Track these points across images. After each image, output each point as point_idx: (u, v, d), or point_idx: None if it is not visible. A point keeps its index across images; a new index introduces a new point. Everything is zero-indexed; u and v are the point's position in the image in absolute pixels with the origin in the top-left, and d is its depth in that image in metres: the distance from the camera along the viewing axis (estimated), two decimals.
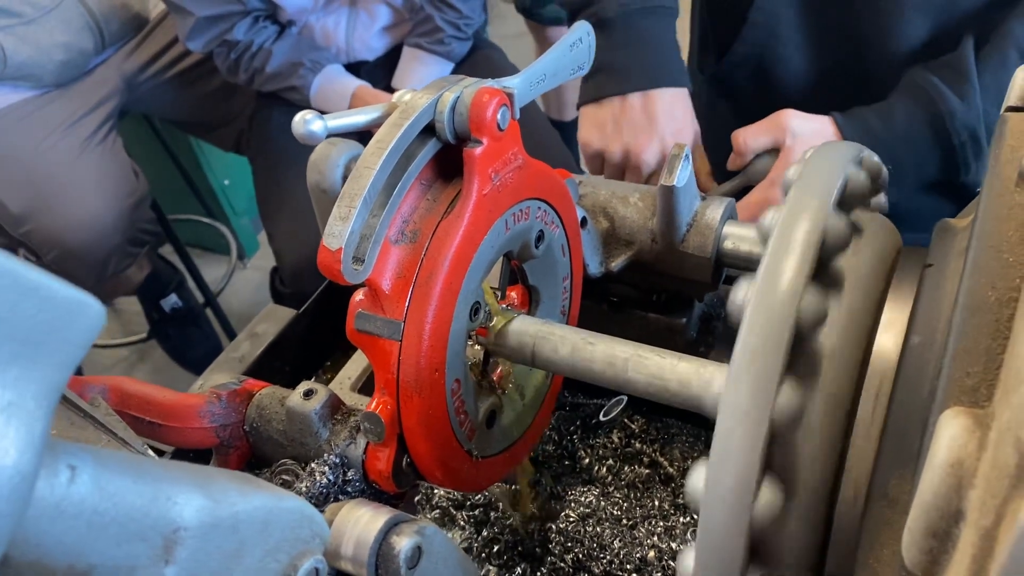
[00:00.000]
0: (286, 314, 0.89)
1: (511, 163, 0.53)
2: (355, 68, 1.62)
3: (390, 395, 0.49)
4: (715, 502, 0.35)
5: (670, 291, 0.74)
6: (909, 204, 0.92)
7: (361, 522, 0.42)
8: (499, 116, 0.50)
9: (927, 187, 0.86)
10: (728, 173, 0.85)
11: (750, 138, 0.83)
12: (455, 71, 1.63)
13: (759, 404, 0.35)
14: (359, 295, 0.50)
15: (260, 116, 1.71)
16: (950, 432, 0.28)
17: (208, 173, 2.42)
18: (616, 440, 0.78)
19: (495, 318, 0.57)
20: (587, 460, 0.77)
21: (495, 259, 0.54)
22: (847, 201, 0.44)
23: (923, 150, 0.77)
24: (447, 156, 0.51)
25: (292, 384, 0.85)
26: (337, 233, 0.45)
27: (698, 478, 0.36)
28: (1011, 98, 0.44)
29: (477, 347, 0.57)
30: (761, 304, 0.36)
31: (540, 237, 0.58)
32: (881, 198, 0.55)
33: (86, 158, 1.69)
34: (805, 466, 0.39)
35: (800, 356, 0.38)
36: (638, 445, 0.77)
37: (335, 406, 0.53)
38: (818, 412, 0.39)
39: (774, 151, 0.82)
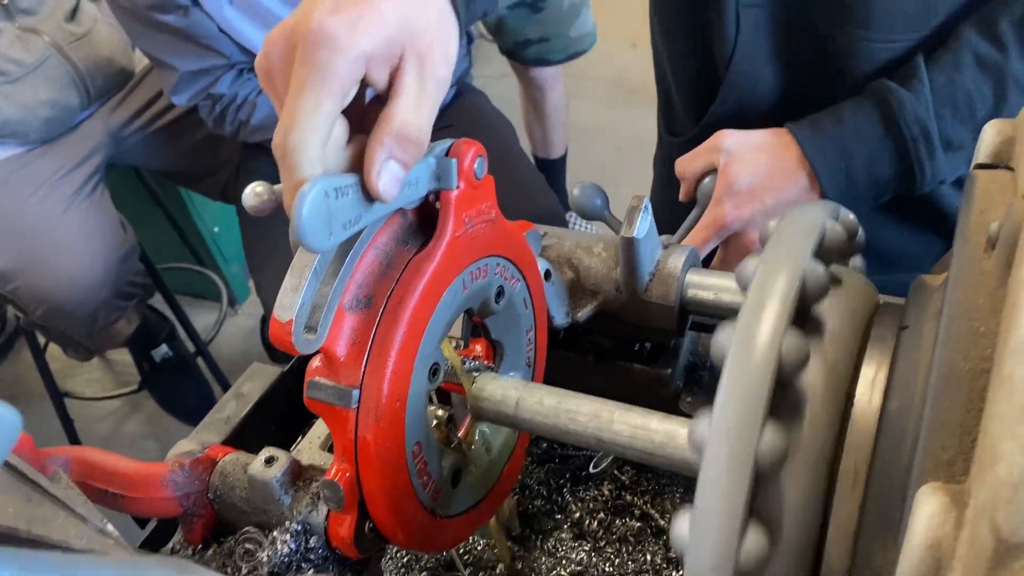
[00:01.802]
0: (271, 372, 0.89)
1: (484, 214, 0.55)
2: None
3: (348, 462, 0.49)
4: (701, 546, 0.35)
5: (644, 340, 0.75)
6: (895, 244, 0.93)
7: None
8: (476, 165, 0.52)
9: (892, 195, 0.87)
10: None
11: (688, 164, 0.84)
12: (440, 117, 1.64)
13: (744, 443, 0.35)
14: (316, 362, 0.50)
15: (246, 167, 1.73)
16: (927, 511, 0.28)
17: (197, 221, 2.44)
18: (607, 493, 0.78)
19: (464, 376, 0.58)
20: (578, 514, 0.76)
21: (452, 320, 0.55)
22: (825, 254, 0.45)
23: (873, 143, 0.77)
24: (403, 220, 0.52)
25: (280, 445, 0.85)
26: (287, 305, 0.45)
27: (683, 523, 0.36)
28: (980, 155, 0.44)
29: (441, 412, 0.58)
30: (743, 345, 0.37)
31: (500, 293, 0.59)
32: (858, 260, 0.56)
33: (73, 213, 1.70)
34: (790, 512, 0.39)
35: (783, 399, 0.39)
36: (629, 497, 0.77)
37: (296, 473, 0.53)
38: (802, 455, 0.39)
39: (714, 171, 0.82)
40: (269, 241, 1.58)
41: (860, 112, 0.78)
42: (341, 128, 0.45)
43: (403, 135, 0.44)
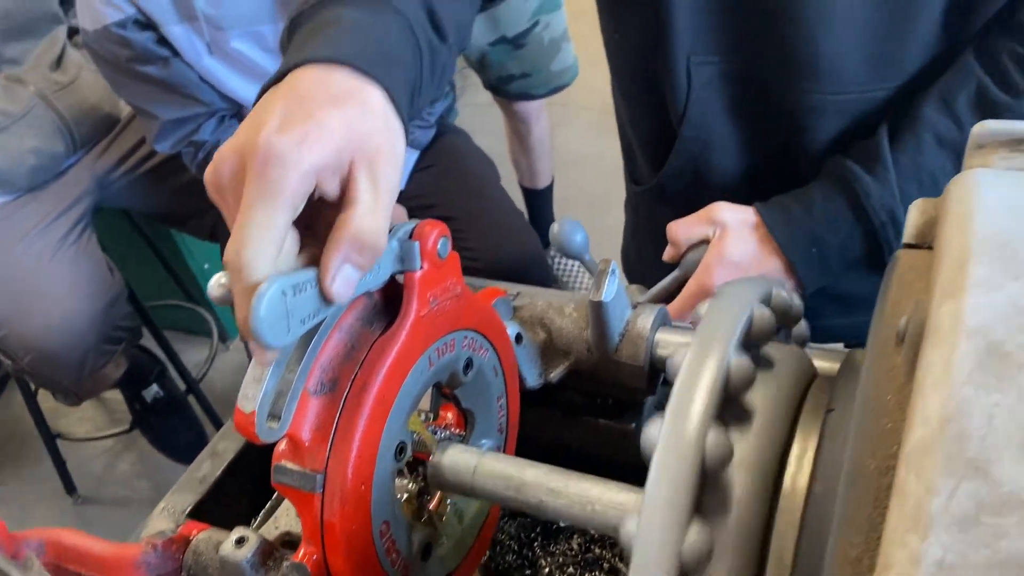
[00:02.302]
0: None
1: (450, 291, 0.56)
2: None
3: (315, 544, 0.50)
4: None
5: (617, 397, 0.76)
6: (858, 289, 0.94)
7: None
8: (439, 245, 0.53)
9: (865, 268, 0.88)
10: (666, 269, 0.87)
11: (683, 230, 0.86)
12: (420, 158, 1.65)
13: (668, 541, 0.36)
14: (282, 445, 0.51)
15: None
16: None
17: (188, 258, 2.45)
18: (576, 547, 0.78)
19: (435, 448, 0.58)
20: (547, 569, 0.77)
21: (420, 396, 0.55)
22: (754, 337, 0.46)
23: (844, 230, 0.80)
24: (368, 302, 0.53)
25: (256, 505, 0.85)
26: (251, 396, 0.46)
27: None
28: (906, 235, 0.45)
29: (412, 485, 0.58)
30: (667, 444, 0.38)
31: (468, 364, 0.60)
32: (802, 326, 0.57)
33: (60, 259, 1.71)
34: None
35: (710, 494, 0.39)
36: (598, 551, 0.78)
37: (267, 552, 0.54)
38: (728, 552, 0.40)
39: (706, 242, 0.84)
40: None
41: (829, 202, 0.80)
42: (292, 239, 0.46)
43: (359, 240, 0.45)
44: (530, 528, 0.80)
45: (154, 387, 2.10)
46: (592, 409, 0.75)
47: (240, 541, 0.54)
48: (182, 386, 2.24)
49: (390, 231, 0.52)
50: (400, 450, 0.54)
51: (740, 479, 0.41)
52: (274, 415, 0.48)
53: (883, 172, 0.77)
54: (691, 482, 0.37)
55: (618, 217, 1.24)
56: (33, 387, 2.11)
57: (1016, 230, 0.33)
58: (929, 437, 0.28)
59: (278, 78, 0.49)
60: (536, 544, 0.79)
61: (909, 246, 0.44)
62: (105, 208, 1.96)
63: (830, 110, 0.81)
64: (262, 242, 0.42)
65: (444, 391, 0.61)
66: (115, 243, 2.10)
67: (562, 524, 0.79)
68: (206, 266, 2.51)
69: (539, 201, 2.47)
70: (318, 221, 0.47)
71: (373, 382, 0.50)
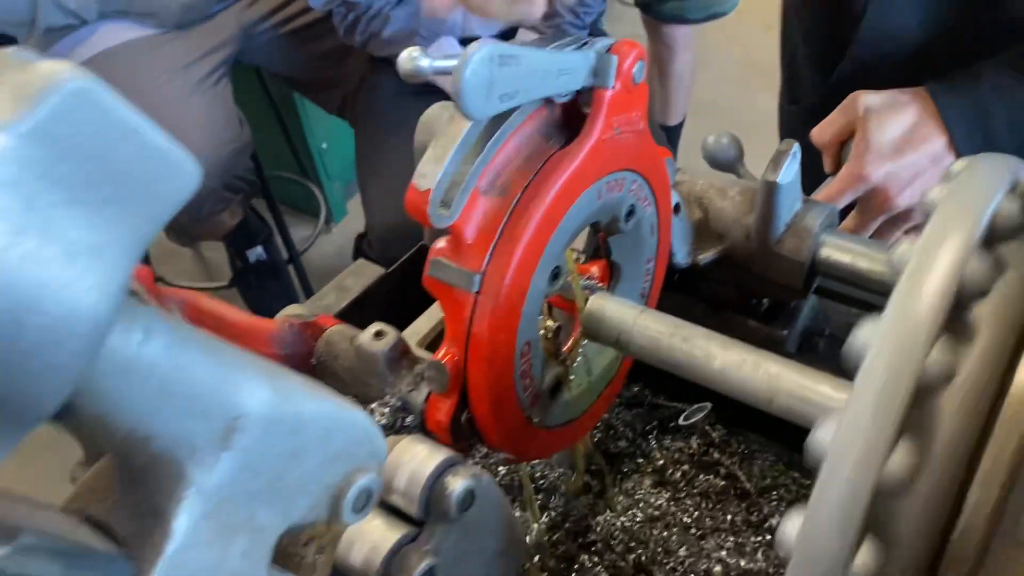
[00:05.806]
0: (375, 271, 0.90)
1: (633, 124, 0.53)
2: (470, 43, 1.63)
3: (459, 347, 0.49)
4: (807, 562, 0.33)
5: (764, 295, 0.71)
6: None
7: (418, 457, 0.42)
8: (635, 68, 0.50)
9: None
10: None
11: (826, 129, 0.80)
12: None
13: (867, 465, 0.32)
14: (440, 243, 0.49)
15: (370, 82, 1.73)
16: None
17: (308, 134, 2.47)
18: (694, 446, 0.75)
19: (579, 292, 0.56)
20: (661, 462, 0.75)
21: (582, 227, 0.53)
22: (996, 232, 0.40)
23: (1016, 104, 0.72)
24: (550, 114, 0.51)
25: None
26: (428, 173, 0.44)
27: (792, 528, 0.34)
28: None
29: (550, 322, 0.56)
30: (883, 354, 0.33)
31: (631, 212, 0.57)
32: None
33: (196, 99, 1.74)
34: (909, 531, 0.36)
35: (916, 413, 0.35)
36: (716, 455, 0.75)
37: (403, 351, 0.53)
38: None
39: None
40: (381, 156, 1.59)
41: (1000, 70, 0.72)
42: None
43: None
44: (646, 420, 0.77)
45: (259, 248, 2.14)
46: (739, 308, 0.72)
47: (379, 335, 0.53)
48: (284, 255, 2.29)
49: (585, 44, 0.50)
50: (555, 275, 0.51)
51: (953, 403, 0.36)
52: (444, 203, 0.46)
53: None
54: (906, 398, 0.33)
55: None
56: None
57: None
58: None
59: None
60: (651, 436, 0.76)
61: None
62: (240, 67, 1.99)
63: None
64: None
65: (600, 237, 0.59)
66: (242, 107, 2.13)
67: (682, 423, 0.76)
68: (324, 145, 2.54)
69: (667, 137, 2.40)
70: None
71: (546, 193, 0.48)
